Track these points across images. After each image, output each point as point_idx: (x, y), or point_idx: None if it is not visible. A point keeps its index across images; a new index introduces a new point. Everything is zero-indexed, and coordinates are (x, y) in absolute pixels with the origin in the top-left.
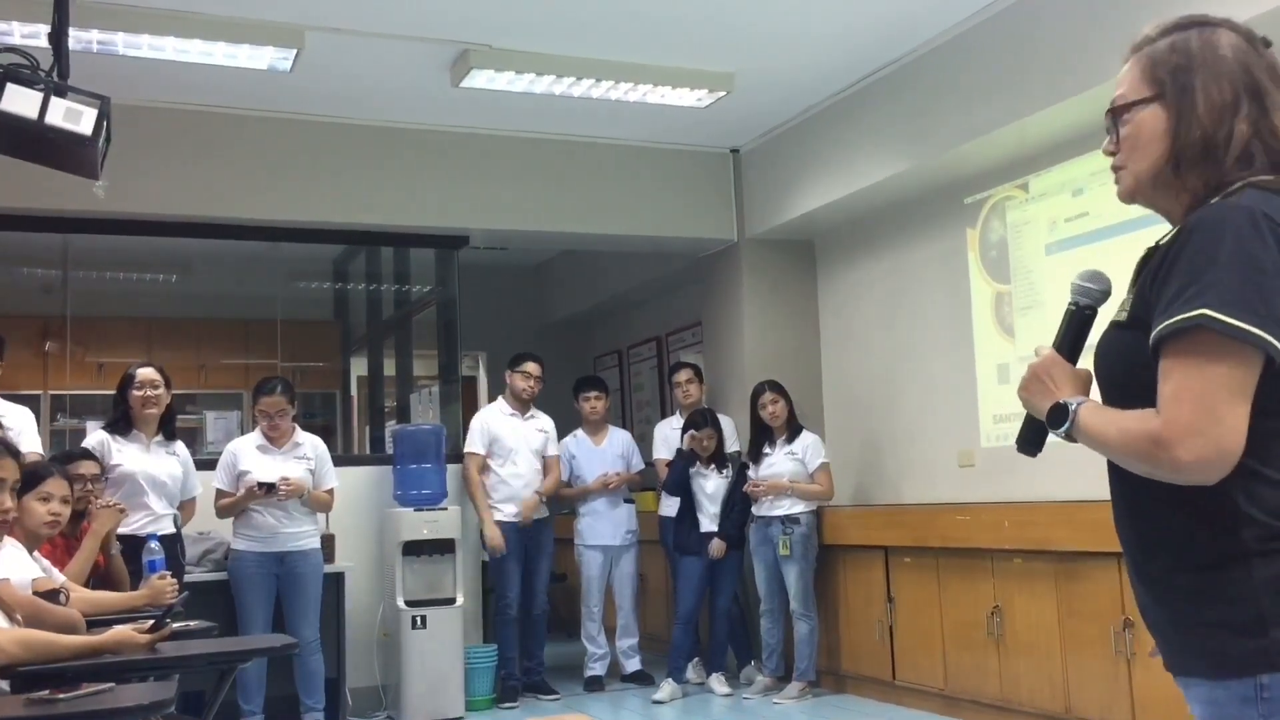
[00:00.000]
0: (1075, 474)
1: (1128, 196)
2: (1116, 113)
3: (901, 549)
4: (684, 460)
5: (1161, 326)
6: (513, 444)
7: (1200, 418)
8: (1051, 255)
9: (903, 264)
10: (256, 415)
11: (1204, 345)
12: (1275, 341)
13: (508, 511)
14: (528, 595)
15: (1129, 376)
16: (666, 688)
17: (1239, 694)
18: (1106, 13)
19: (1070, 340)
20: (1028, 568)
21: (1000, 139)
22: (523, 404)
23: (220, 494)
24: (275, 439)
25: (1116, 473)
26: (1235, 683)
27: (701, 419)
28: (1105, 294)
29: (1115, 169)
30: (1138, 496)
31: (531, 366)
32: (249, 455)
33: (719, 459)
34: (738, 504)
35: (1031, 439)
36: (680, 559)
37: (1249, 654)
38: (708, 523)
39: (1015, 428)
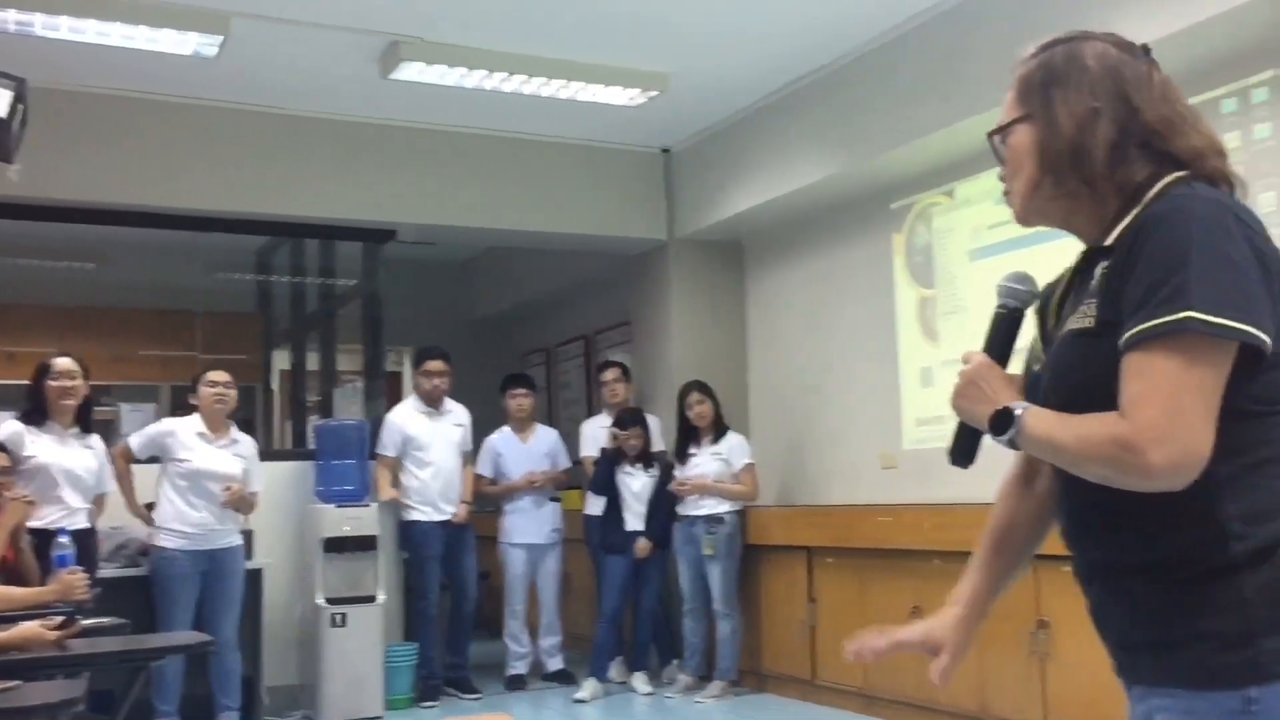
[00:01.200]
0: (993, 476)
1: (1021, 218)
2: (997, 137)
3: (824, 549)
4: (610, 459)
5: (1140, 328)
6: (428, 443)
7: (1172, 421)
8: (975, 261)
9: (830, 267)
10: (199, 396)
11: (1185, 346)
12: (1262, 335)
13: (427, 512)
14: (457, 592)
15: (1096, 388)
16: (589, 686)
17: (1224, 707)
18: (1034, 25)
19: (1000, 344)
20: (947, 568)
21: (928, 145)
22: (434, 401)
23: (129, 451)
24: (213, 427)
25: (1083, 489)
26: (1221, 695)
27: (629, 418)
28: (1034, 295)
29: (1005, 193)
30: (1117, 508)
31: (434, 364)
32: (189, 439)
33: (645, 458)
34: (663, 504)
35: (965, 450)
36: (605, 558)
37: (1237, 666)
38: (633, 522)
39: (937, 430)
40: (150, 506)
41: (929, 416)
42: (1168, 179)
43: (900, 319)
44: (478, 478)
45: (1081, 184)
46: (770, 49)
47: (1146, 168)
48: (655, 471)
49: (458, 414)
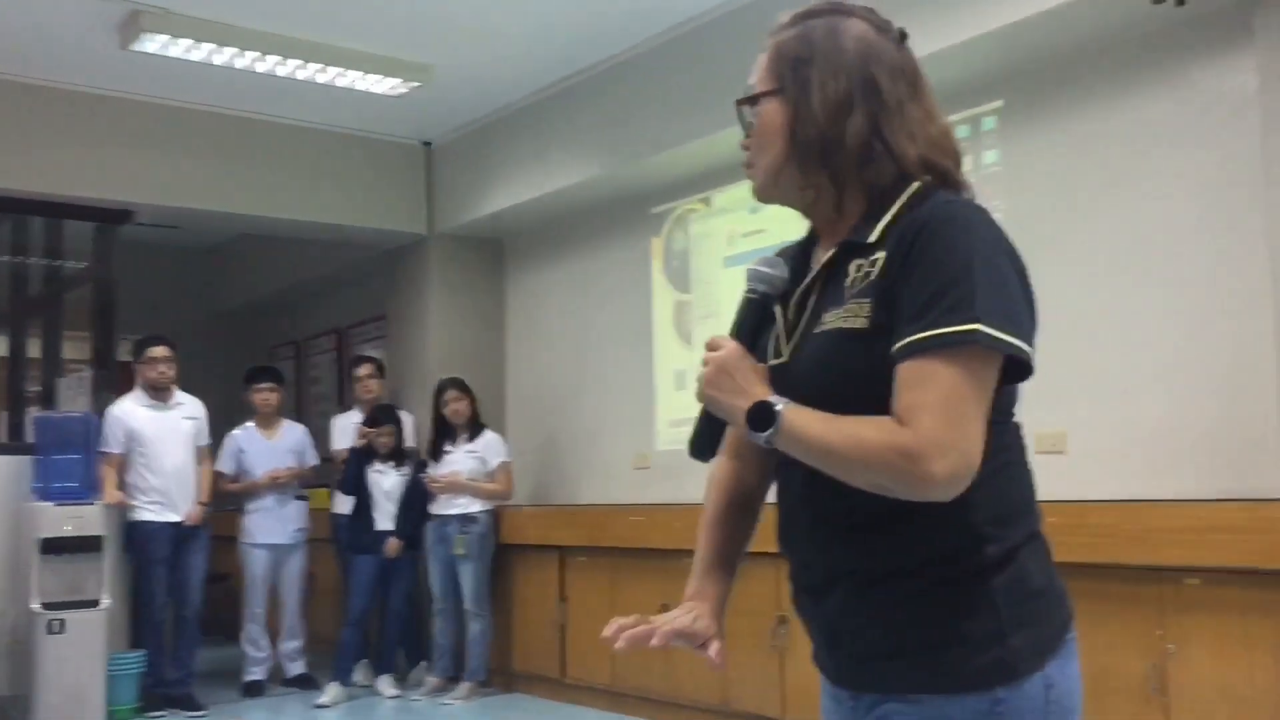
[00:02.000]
0: None
1: (760, 194)
2: (745, 104)
3: (577, 548)
4: (360, 457)
5: (926, 335)
6: (156, 437)
7: (953, 432)
8: (730, 268)
9: (590, 268)
10: None
11: (967, 357)
12: (1031, 352)
13: (156, 511)
14: (178, 600)
15: (866, 389)
16: (332, 690)
17: (973, 709)
18: None
19: (749, 330)
20: None
21: (688, 153)
22: (160, 392)
23: None
24: None
25: (828, 493)
26: (971, 698)
27: (381, 415)
28: (784, 280)
29: (746, 165)
30: (866, 519)
31: (157, 351)
32: None
33: (398, 456)
34: (416, 503)
35: (707, 442)
36: (353, 558)
37: (987, 667)
38: (383, 521)
39: (690, 432)
40: None
41: (682, 418)
42: (918, 184)
43: (657, 322)
44: (218, 475)
45: (827, 178)
46: (537, 47)
47: (892, 168)
48: (407, 470)
49: (189, 406)
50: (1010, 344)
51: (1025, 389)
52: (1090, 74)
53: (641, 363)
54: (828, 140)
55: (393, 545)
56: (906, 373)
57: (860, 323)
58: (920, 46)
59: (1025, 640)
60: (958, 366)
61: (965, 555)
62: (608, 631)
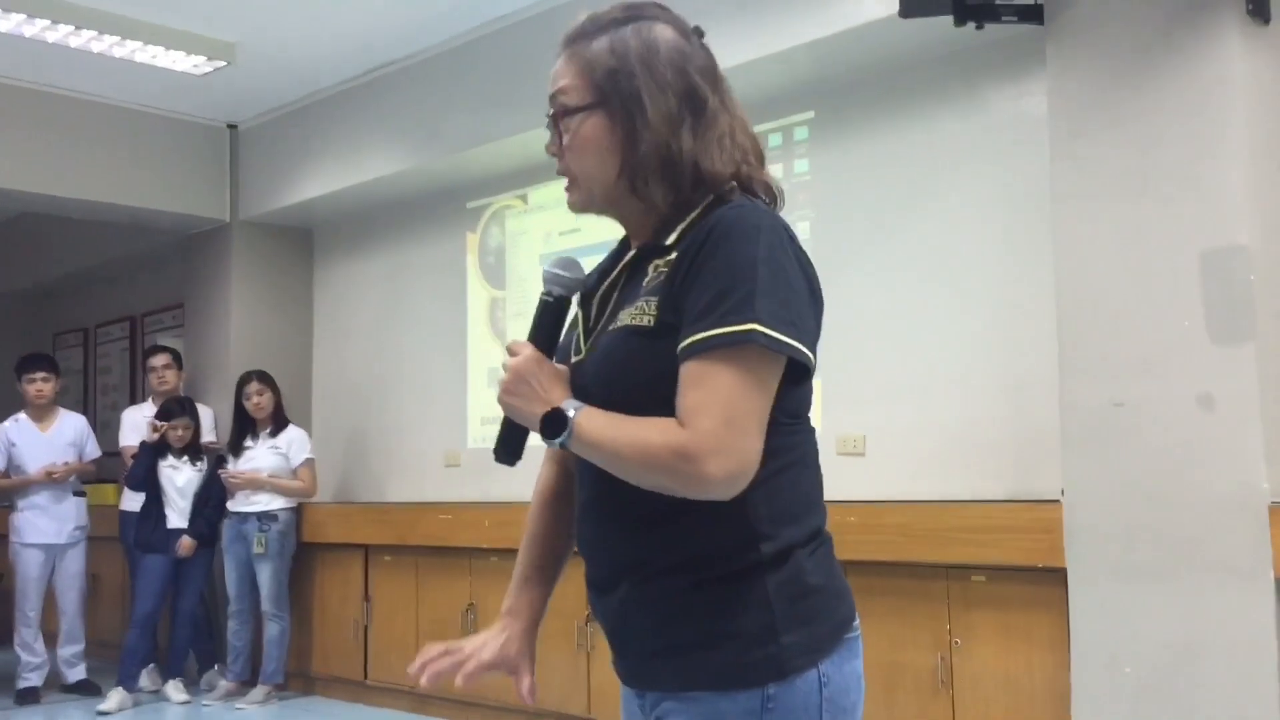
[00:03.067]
0: None
1: (581, 208)
2: (557, 119)
3: (382, 547)
4: (151, 451)
5: (705, 335)
6: None
7: (731, 433)
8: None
9: (403, 262)
10: None
11: (746, 359)
12: (810, 355)
13: None
14: None
15: (652, 387)
16: (115, 697)
17: (745, 707)
18: None
19: (546, 334)
20: (504, 565)
21: (505, 148)
22: None
23: None
24: None
25: (614, 491)
26: (742, 695)
27: (177, 407)
28: (580, 283)
29: (565, 172)
30: (647, 515)
31: None
32: None
33: (192, 451)
34: (212, 499)
35: (511, 447)
36: (142, 557)
37: (759, 664)
38: (176, 519)
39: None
40: None
41: (494, 415)
42: (725, 188)
43: (471, 318)
44: None
45: (658, 189)
46: (349, 32)
47: (704, 173)
48: (203, 465)
49: None
50: (788, 345)
51: (827, 394)
52: (895, 91)
53: (454, 359)
54: (666, 154)
55: (185, 544)
56: (688, 372)
57: (646, 321)
58: (736, 54)
59: (798, 638)
60: (737, 367)
61: (739, 552)
62: (413, 667)
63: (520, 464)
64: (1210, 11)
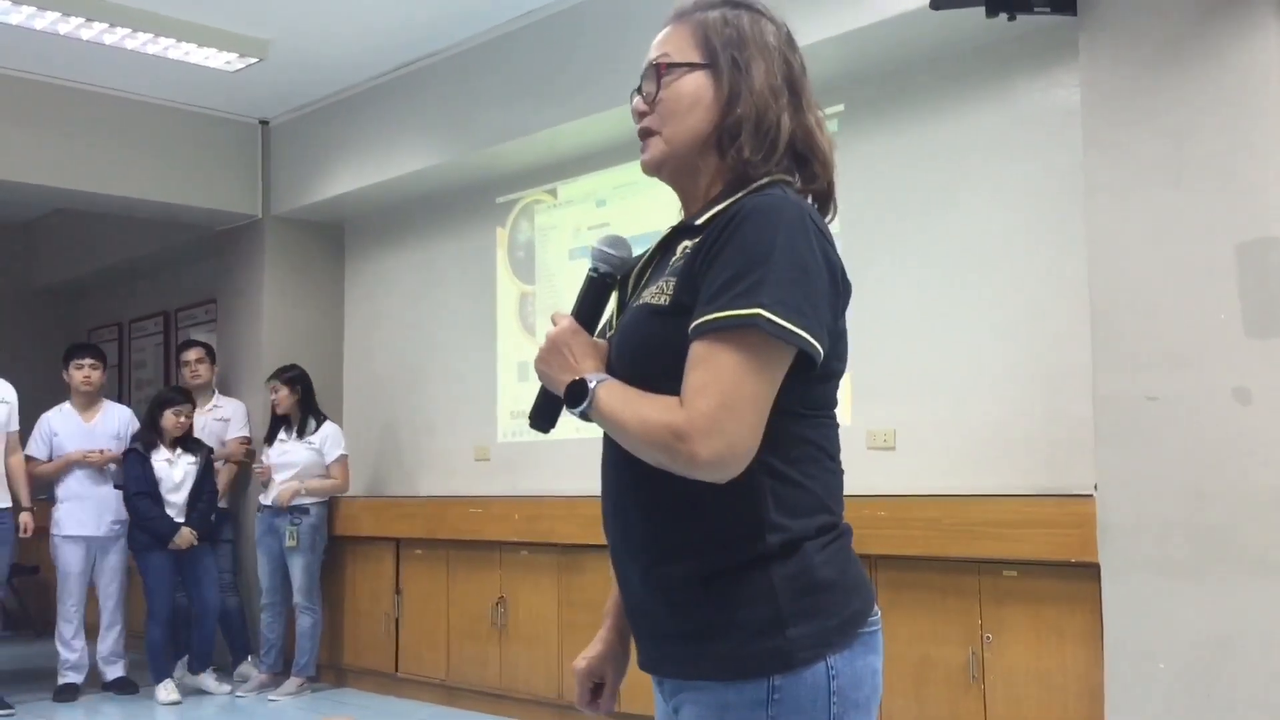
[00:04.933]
0: (579, 468)
1: (656, 166)
2: (660, 71)
3: (413, 541)
4: (139, 460)
5: (711, 317)
6: None
7: (724, 415)
8: (574, 260)
9: (433, 257)
10: None
11: (749, 344)
12: (817, 345)
13: None
14: None
15: (665, 364)
16: (167, 687)
17: (751, 697)
18: (640, 35)
19: (589, 309)
20: (534, 559)
21: (534, 143)
22: None
23: None
24: None
25: (631, 470)
26: (748, 685)
27: (177, 395)
28: (626, 261)
29: (647, 133)
30: (659, 498)
31: None
32: None
33: (188, 443)
34: (205, 493)
35: (545, 413)
36: (145, 555)
37: (765, 655)
38: (171, 513)
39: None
40: None
41: (523, 410)
42: (772, 177)
43: (500, 313)
44: (28, 460)
45: (748, 147)
46: (380, 28)
47: (773, 158)
48: (197, 458)
49: (1, 389)
50: (792, 333)
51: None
52: (926, 83)
53: (484, 354)
54: (760, 124)
55: (185, 535)
56: (694, 352)
57: (663, 300)
58: None
59: (805, 631)
60: (740, 351)
61: (745, 543)
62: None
63: (548, 459)
64: (1245, 2)
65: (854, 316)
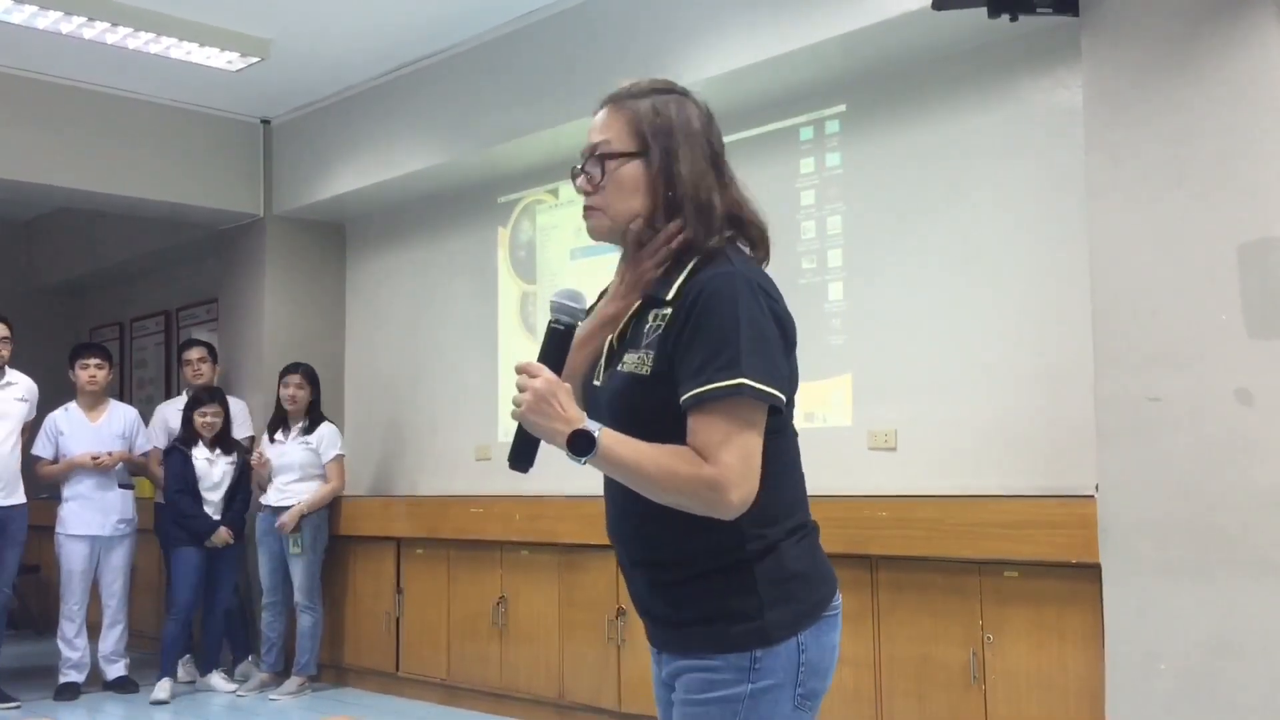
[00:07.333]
0: (579, 469)
1: (602, 235)
2: (603, 158)
3: (414, 540)
4: (181, 459)
5: (706, 389)
6: None
7: (744, 465)
8: (575, 260)
9: (435, 256)
10: None
11: (741, 407)
12: (784, 398)
13: None
14: None
15: (655, 421)
16: (166, 686)
17: (736, 665)
18: (644, 38)
19: (554, 357)
20: (535, 559)
21: (536, 143)
22: None
23: None
24: None
25: (630, 496)
26: (734, 656)
27: (207, 395)
28: (584, 312)
29: (591, 209)
30: (657, 519)
31: None
32: None
33: (224, 442)
34: (240, 493)
35: (524, 454)
36: (177, 550)
37: (748, 634)
38: (209, 511)
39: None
40: None
41: None
42: (711, 245)
43: (502, 312)
44: (35, 460)
45: (692, 226)
46: (382, 28)
47: (709, 226)
48: (235, 458)
49: (21, 387)
50: (769, 394)
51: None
52: (928, 83)
53: (486, 353)
54: (696, 199)
55: (222, 533)
56: (696, 420)
57: (645, 370)
58: (768, 48)
59: (780, 614)
60: (736, 413)
61: (731, 550)
62: None
63: (549, 459)
64: (1247, 2)
65: (856, 317)
